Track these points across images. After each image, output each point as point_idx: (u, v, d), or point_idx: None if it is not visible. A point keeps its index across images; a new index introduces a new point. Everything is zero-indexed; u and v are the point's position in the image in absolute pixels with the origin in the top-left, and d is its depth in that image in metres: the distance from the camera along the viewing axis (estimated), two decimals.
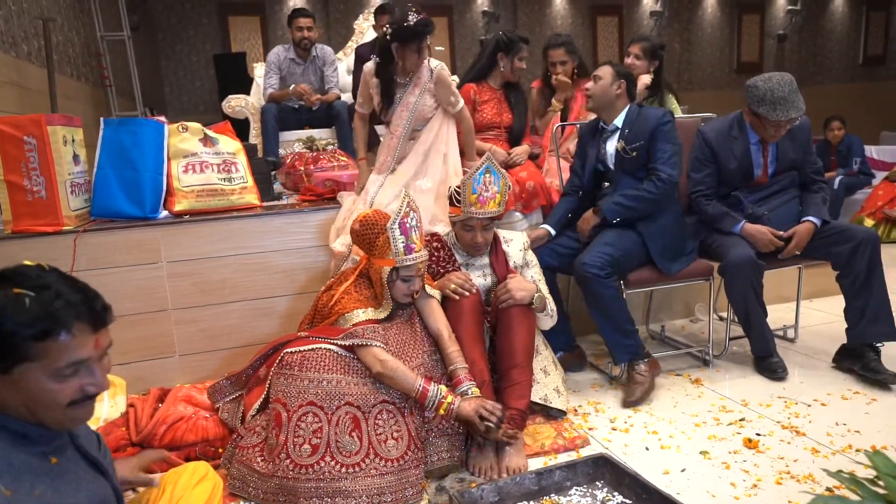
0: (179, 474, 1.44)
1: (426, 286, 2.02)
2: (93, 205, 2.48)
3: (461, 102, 2.65)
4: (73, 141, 2.43)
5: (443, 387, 1.77)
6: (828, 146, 5.60)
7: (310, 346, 1.82)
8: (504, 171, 2.18)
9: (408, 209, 1.90)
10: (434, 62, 2.61)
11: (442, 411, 1.74)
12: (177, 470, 1.46)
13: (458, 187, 2.11)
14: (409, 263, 1.88)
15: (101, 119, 2.52)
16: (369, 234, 1.94)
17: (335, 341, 1.82)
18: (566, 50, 3.12)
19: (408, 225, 1.89)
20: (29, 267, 0.99)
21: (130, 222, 2.43)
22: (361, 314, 1.88)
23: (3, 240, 2.29)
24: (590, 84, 2.48)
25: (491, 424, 1.72)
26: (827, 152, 5.55)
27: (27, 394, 0.93)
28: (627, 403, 2.25)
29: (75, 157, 2.43)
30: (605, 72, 2.46)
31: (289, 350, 1.83)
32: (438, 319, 1.97)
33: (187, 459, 1.84)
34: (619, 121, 2.46)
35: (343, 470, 1.66)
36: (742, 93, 2.50)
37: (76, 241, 2.31)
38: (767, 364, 2.44)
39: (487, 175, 2.10)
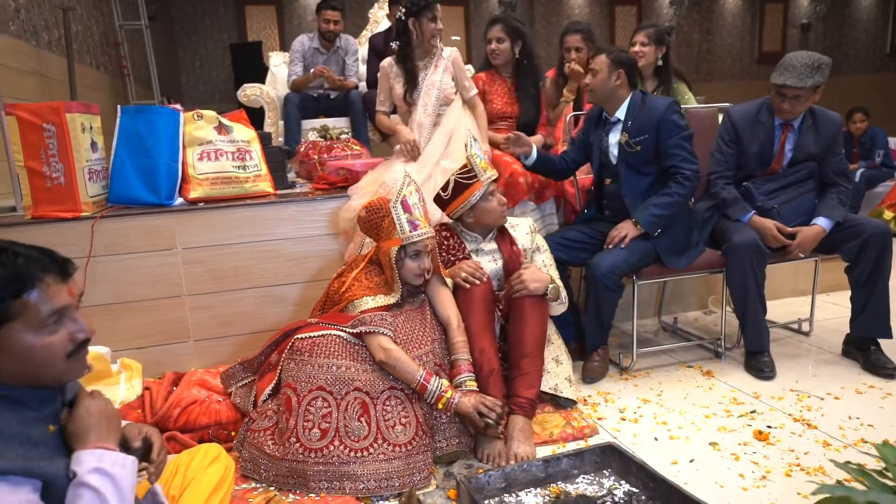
0: (192, 455, 1.47)
1: (441, 275, 2.03)
2: (110, 191, 2.52)
3: (474, 90, 2.73)
4: (91, 128, 2.46)
5: (444, 381, 1.79)
6: (850, 138, 5.51)
7: (320, 333, 1.84)
8: (470, 139, 2.21)
9: (410, 188, 1.91)
10: (447, 48, 2.71)
11: (441, 405, 1.76)
12: (190, 451, 1.50)
13: (465, 167, 2.14)
14: (415, 240, 1.88)
15: (119, 107, 2.55)
16: (375, 218, 1.95)
17: (344, 328, 1.84)
18: (583, 37, 3.09)
19: (410, 203, 1.90)
20: None
21: (146, 209, 2.47)
22: (371, 301, 1.89)
23: (23, 225, 2.33)
24: (588, 78, 2.44)
25: (490, 421, 1.73)
26: (849, 144, 5.46)
27: (21, 354, 0.95)
28: (586, 380, 2.39)
29: (93, 145, 2.46)
30: (601, 63, 2.38)
31: (299, 336, 1.86)
32: (448, 307, 1.98)
33: (200, 441, 1.87)
34: (621, 112, 2.41)
35: (351, 454, 1.68)
36: (764, 83, 2.47)
37: (94, 227, 2.35)
38: (757, 362, 2.39)
39: (477, 144, 2.21)
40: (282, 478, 1.71)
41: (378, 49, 3.95)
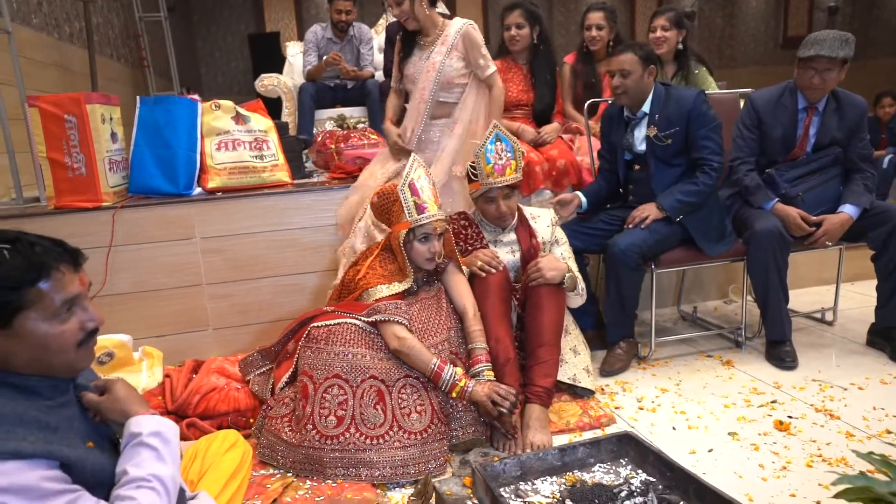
0: (210, 441, 1.49)
1: (458, 263, 2.03)
2: (130, 181, 2.55)
3: (492, 67, 2.51)
4: (112, 119, 2.49)
5: (458, 369, 1.78)
6: (877, 123, 5.36)
7: (335, 321, 1.85)
8: (514, 136, 2.16)
9: (419, 171, 1.91)
10: (461, 20, 2.49)
11: (455, 394, 1.75)
12: (208, 437, 1.52)
13: (473, 163, 2.10)
14: (422, 222, 1.86)
15: (138, 98, 2.58)
16: (386, 203, 1.95)
17: (359, 317, 1.85)
18: (605, 15, 3.04)
19: (418, 185, 1.88)
20: None
21: (165, 199, 2.49)
22: (385, 289, 1.89)
23: (46, 215, 2.38)
24: (617, 80, 2.33)
25: (503, 409, 1.72)
26: (877, 130, 5.30)
27: (34, 342, 0.97)
28: (604, 373, 2.34)
29: (113, 135, 2.49)
30: (631, 61, 2.28)
31: (315, 325, 1.87)
32: (465, 296, 1.97)
33: (219, 428, 1.90)
34: (646, 106, 2.37)
35: (367, 441, 1.70)
36: (788, 68, 2.42)
37: (114, 216, 2.39)
38: (778, 352, 2.35)
39: (498, 143, 2.09)
40: (298, 464, 1.73)
41: (394, 37, 3.93)
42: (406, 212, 1.87)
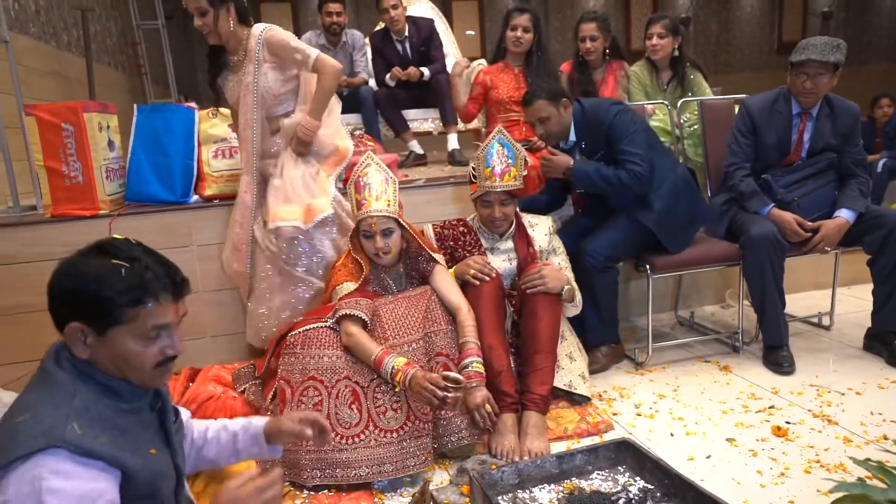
0: None
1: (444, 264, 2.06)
2: (127, 189, 2.55)
3: (313, 54, 2.21)
4: (108, 127, 2.49)
5: (401, 359, 1.73)
6: (873, 126, 5.37)
7: (310, 327, 1.86)
8: (518, 145, 2.17)
9: (368, 169, 1.98)
10: (259, 28, 2.22)
11: (398, 380, 1.70)
12: None
13: (474, 164, 2.12)
14: (360, 218, 1.95)
15: (135, 105, 2.58)
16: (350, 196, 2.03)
17: (327, 319, 1.87)
18: (598, 25, 3.06)
19: (362, 182, 1.96)
20: (120, 240, 1.10)
21: (162, 206, 2.49)
22: (350, 286, 1.94)
23: (43, 223, 2.37)
24: (539, 130, 2.32)
25: (440, 396, 1.62)
26: (872, 133, 5.32)
27: (118, 354, 1.04)
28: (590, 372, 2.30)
29: (110, 143, 2.49)
30: (543, 107, 2.26)
31: (292, 332, 1.88)
32: (456, 293, 1.99)
33: None
34: (572, 135, 2.37)
35: (343, 441, 1.70)
36: (783, 74, 2.44)
37: (111, 224, 2.39)
38: (775, 356, 2.35)
39: (500, 148, 2.11)
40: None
41: (377, 47, 3.93)
42: (351, 208, 1.98)
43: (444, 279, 2.02)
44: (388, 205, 1.95)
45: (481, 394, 1.79)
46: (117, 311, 1.02)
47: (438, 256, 2.07)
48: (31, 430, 0.94)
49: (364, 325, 1.82)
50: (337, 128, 2.43)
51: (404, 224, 2.01)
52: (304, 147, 2.28)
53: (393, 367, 1.71)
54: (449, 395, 1.63)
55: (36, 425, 0.95)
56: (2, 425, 0.99)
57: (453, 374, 1.69)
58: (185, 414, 1.32)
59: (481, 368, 1.84)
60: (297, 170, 2.27)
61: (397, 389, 1.74)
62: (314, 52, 2.21)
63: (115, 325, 1.02)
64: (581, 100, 2.39)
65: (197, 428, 1.36)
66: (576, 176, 2.30)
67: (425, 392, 1.64)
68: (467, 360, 1.84)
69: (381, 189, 1.96)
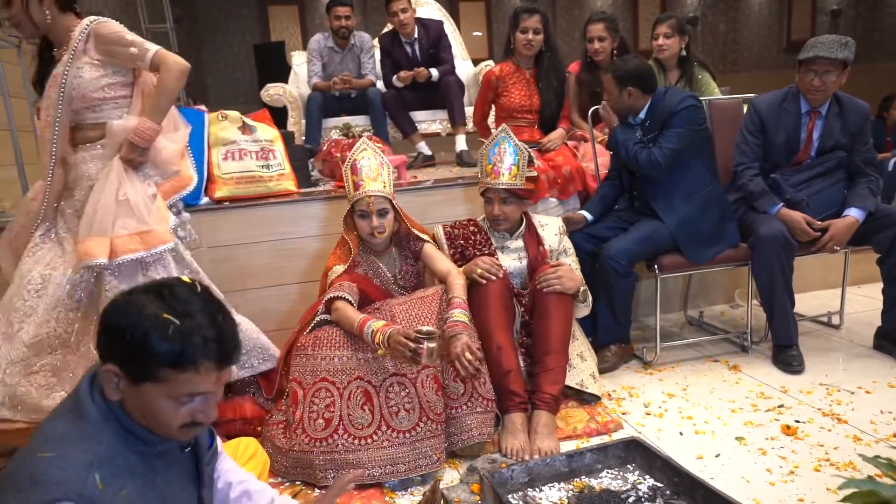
0: (235, 449, 1.48)
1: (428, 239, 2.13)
2: None
3: (152, 48, 1.89)
4: None
5: (379, 322, 1.77)
6: (884, 125, 5.34)
7: (319, 326, 1.90)
8: (522, 144, 2.18)
9: (363, 153, 2.03)
10: (89, 19, 1.88)
11: (378, 342, 1.72)
12: (229, 444, 1.51)
13: (479, 160, 2.18)
14: (357, 198, 1.99)
15: None
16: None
17: (320, 313, 1.91)
18: (606, 26, 3.05)
19: (359, 165, 2.01)
20: (182, 287, 1.03)
21: None
22: (340, 268, 2.00)
23: None
24: (605, 97, 2.44)
25: (409, 349, 1.65)
26: (882, 132, 5.29)
27: (147, 406, 1.01)
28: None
29: None
30: (608, 82, 2.39)
31: (303, 334, 1.91)
32: (444, 261, 2.08)
33: (227, 436, 1.90)
34: (643, 113, 2.40)
35: (356, 442, 1.72)
36: (792, 73, 2.43)
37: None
38: (785, 356, 2.35)
39: (503, 145, 2.14)
40: (291, 469, 1.75)
41: (386, 49, 3.94)
42: (347, 189, 2.02)
43: (434, 251, 2.11)
44: (385, 186, 2.02)
45: (461, 342, 1.74)
46: (154, 369, 0.98)
47: (426, 237, 2.14)
48: (51, 476, 0.91)
49: (349, 303, 1.88)
50: (183, 151, 2.09)
51: (397, 206, 2.06)
52: (136, 155, 1.88)
53: (373, 330, 1.75)
54: (421, 346, 1.65)
55: (57, 472, 0.92)
56: (26, 455, 0.97)
57: (426, 328, 1.72)
58: (219, 443, 1.27)
59: (464, 318, 1.83)
60: (133, 188, 1.86)
61: (380, 353, 1.76)
62: (154, 48, 1.89)
63: (148, 380, 0.99)
64: (670, 88, 2.44)
65: (244, 487, 1.26)
66: (612, 135, 2.41)
67: (399, 346, 1.67)
68: (450, 312, 1.85)
69: (377, 171, 2.02)
